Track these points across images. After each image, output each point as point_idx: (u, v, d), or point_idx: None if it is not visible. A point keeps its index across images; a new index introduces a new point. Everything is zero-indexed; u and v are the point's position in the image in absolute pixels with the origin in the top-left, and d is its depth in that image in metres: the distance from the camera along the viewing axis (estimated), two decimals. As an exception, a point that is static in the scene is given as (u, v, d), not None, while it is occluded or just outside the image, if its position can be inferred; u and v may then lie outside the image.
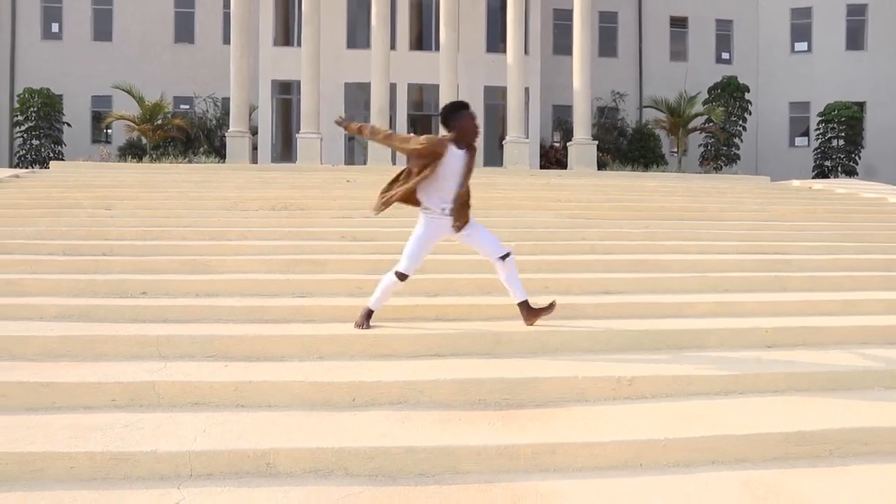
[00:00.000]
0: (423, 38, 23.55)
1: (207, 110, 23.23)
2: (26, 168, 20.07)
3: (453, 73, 18.86)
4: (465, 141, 5.08)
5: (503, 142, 19.82)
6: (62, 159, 20.14)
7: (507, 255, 5.15)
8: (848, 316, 5.98)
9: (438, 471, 3.31)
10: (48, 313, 5.39)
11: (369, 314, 5.17)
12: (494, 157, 22.24)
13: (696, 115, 21.81)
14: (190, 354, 4.64)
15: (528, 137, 20.51)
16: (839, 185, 15.74)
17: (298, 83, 19.50)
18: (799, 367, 4.69)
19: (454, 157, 5.04)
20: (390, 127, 20.62)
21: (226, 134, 18.88)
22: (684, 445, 3.54)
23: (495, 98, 23.13)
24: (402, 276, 5.08)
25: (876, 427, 3.80)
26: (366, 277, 6.49)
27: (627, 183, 14.82)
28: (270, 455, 3.28)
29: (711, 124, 23.33)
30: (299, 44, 19.56)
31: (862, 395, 4.43)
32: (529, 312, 5.18)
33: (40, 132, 20.64)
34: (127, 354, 4.62)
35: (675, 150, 25.63)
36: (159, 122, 20.00)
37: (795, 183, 16.97)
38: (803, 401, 4.27)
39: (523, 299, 5.19)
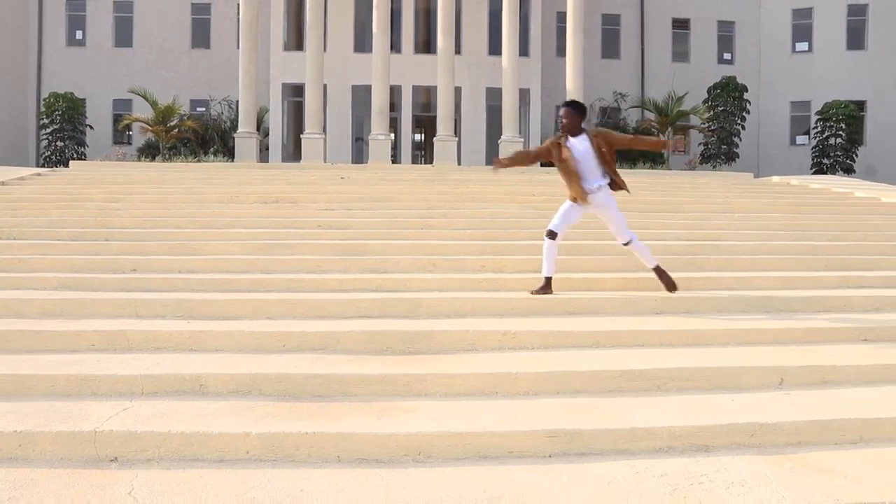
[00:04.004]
0: (429, 41, 24.48)
1: (222, 113, 24.40)
2: (50, 168, 21.38)
3: (450, 76, 19.82)
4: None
5: (498, 141, 20.72)
6: (85, 160, 21.40)
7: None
8: (740, 291, 6.81)
9: (332, 393, 4.27)
10: (50, 284, 6.44)
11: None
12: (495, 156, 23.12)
13: (683, 115, 22.52)
14: (161, 315, 5.65)
15: (522, 137, 21.35)
16: (815, 181, 16.42)
17: (307, 86, 20.53)
18: (670, 326, 5.58)
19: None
20: (392, 128, 21.62)
21: (235, 135, 20.01)
22: (533, 378, 4.45)
23: (497, 99, 23.98)
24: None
25: (699, 367, 4.69)
26: (327, 258, 7.47)
27: (608, 179, 15.62)
28: (203, 378, 4.26)
29: (707, 124, 24.01)
30: (308, 49, 20.62)
31: (715, 349, 5.29)
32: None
33: (64, 134, 21.92)
34: (110, 314, 5.64)
35: (677, 149, 26.33)
36: (173, 123, 21.19)
37: (775, 179, 17.70)
38: (661, 352, 5.14)
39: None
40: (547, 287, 6.30)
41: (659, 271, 6.54)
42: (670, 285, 6.47)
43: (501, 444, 3.65)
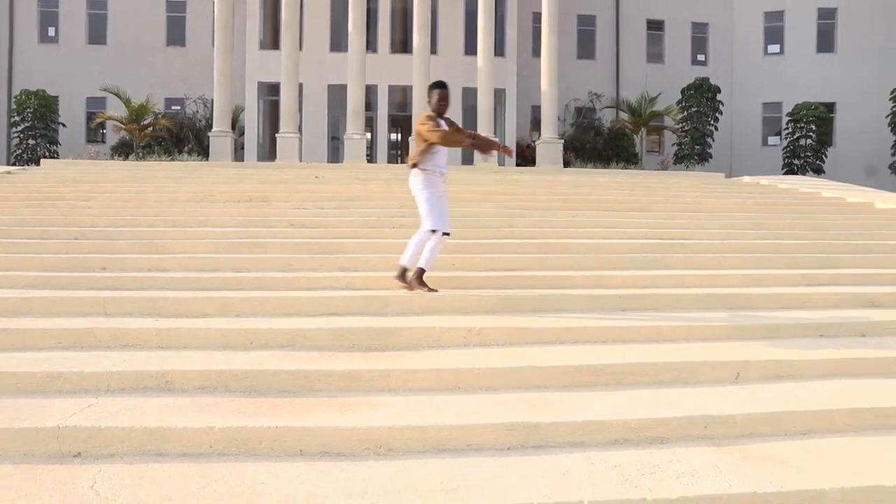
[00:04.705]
0: (405, 40, 24.52)
1: (197, 111, 24.31)
2: (21, 167, 21.16)
3: (426, 76, 19.88)
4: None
5: (474, 141, 20.81)
6: (57, 158, 21.22)
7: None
8: (704, 288, 6.96)
9: (296, 389, 4.33)
10: (19, 283, 6.42)
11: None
12: (472, 156, 23.22)
13: (656, 115, 22.80)
14: (129, 313, 5.67)
15: (498, 136, 21.48)
16: (784, 181, 16.70)
17: (283, 85, 20.52)
18: (631, 323, 5.70)
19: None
20: (369, 127, 21.69)
21: (209, 134, 19.95)
22: (495, 374, 4.54)
23: (473, 99, 24.08)
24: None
25: (658, 362, 4.81)
26: (298, 256, 7.52)
27: (581, 178, 15.84)
28: (169, 375, 4.30)
29: (681, 124, 24.32)
30: (284, 48, 20.61)
31: (675, 344, 5.41)
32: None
33: (36, 132, 21.72)
34: (78, 312, 5.65)
35: (651, 149, 26.76)
36: (147, 122, 21.07)
37: (746, 179, 17.98)
38: (622, 347, 5.26)
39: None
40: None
41: (403, 271, 6.24)
42: (409, 285, 6.20)
43: (461, 437, 3.74)
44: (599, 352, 5.08)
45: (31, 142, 21.85)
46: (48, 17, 25.38)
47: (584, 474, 3.43)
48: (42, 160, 17.53)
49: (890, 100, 25.39)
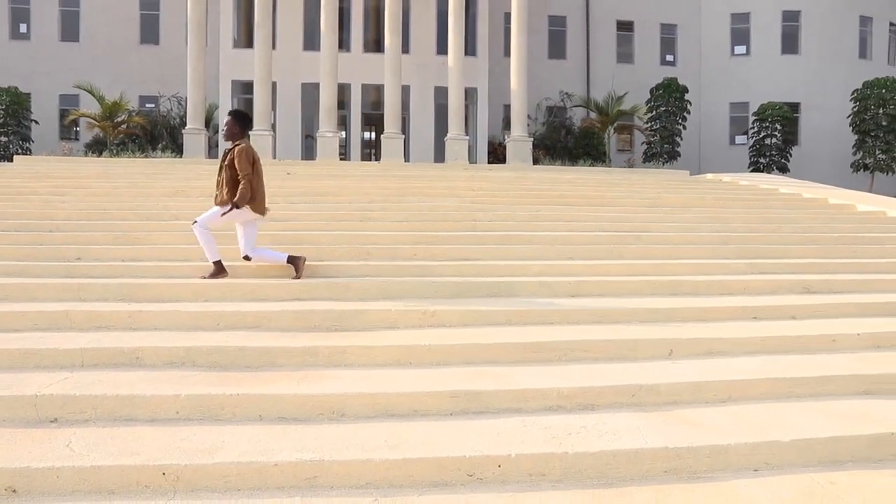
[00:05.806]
0: (378, 40, 24.80)
1: (171, 109, 24.41)
2: (-6, 163, 21.12)
3: (398, 75, 20.22)
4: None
5: (444, 139, 21.19)
6: (30, 155, 21.24)
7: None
8: (653, 276, 7.38)
9: (260, 364, 4.66)
10: (-6, 271, 6.68)
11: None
12: (443, 154, 23.60)
13: (623, 114, 23.31)
14: (103, 298, 5.96)
15: (468, 135, 21.85)
16: (744, 178, 17.26)
17: (256, 83, 20.74)
18: (580, 306, 6.09)
19: None
20: (342, 125, 21.98)
21: (183, 131, 20.13)
22: (444, 350, 4.90)
23: (445, 98, 24.43)
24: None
25: (598, 339, 5.20)
26: (268, 247, 7.82)
27: (548, 175, 16.24)
28: (139, 352, 4.61)
29: (649, 123, 24.86)
30: (257, 46, 20.80)
31: (618, 326, 5.81)
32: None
33: (8, 129, 21.67)
34: (54, 298, 5.93)
35: (623, 148, 27.30)
36: (120, 119, 21.17)
37: (709, 176, 18.52)
38: (567, 328, 5.65)
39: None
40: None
41: (218, 265, 6.62)
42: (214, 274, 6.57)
43: (408, 403, 4.09)
44: (545, 331, 5.46)
45: (2, 139, 21.81)
46: (19, 14, 25.33)
47: (516, 434, 3.80)
48: (15, 157, 17.59)
49: (851, 101, 26.08)
